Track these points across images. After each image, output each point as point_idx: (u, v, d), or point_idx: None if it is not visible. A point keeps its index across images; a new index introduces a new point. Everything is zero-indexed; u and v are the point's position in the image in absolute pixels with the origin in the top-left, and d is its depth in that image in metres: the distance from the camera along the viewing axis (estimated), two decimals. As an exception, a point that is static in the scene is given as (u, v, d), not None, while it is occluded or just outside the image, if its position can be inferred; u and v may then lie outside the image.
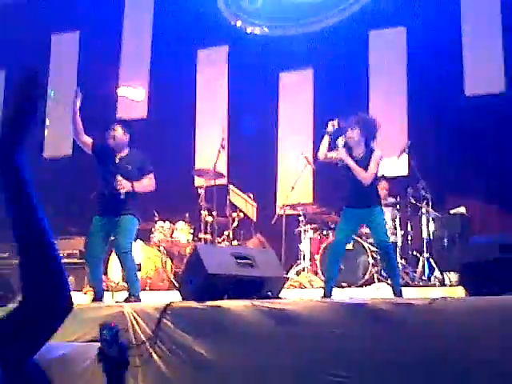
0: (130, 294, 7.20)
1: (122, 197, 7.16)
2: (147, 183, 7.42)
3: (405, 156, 9.48)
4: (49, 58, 12.79)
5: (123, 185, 7.16)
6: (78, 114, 7.33)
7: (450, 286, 8.20)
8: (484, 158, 9.67)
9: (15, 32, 12.07)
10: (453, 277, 8.28)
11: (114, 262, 8.80)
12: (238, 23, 11.87)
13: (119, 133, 7.43)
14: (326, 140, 7.33)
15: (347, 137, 7.17)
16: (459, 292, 6.60)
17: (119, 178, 7.18)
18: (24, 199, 2.01)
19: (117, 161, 7.40)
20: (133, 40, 12.40)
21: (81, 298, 8.50)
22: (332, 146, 7.26)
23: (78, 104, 7.31)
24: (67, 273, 2.05)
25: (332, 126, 7.34)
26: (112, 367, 2.72)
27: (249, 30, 11.82)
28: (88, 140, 7.46)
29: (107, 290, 8.24)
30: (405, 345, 5.28)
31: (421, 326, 5.35)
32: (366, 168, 7.04)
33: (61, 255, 1.98)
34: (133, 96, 11.88)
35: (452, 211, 9.52)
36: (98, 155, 7.48)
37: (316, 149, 10.57)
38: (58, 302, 1.85)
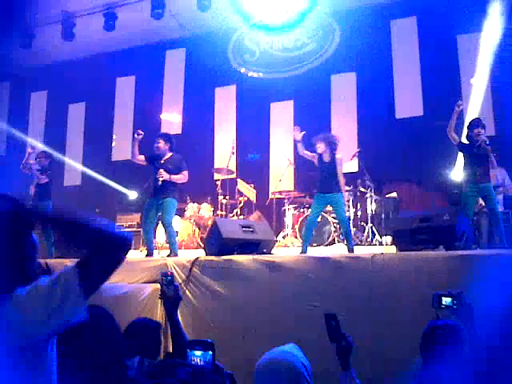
0: (171, 252, 7.20)
1: (160, 183, 7.23)
2: (180, 177, 7.42)
3: (355, 159, 9.47)
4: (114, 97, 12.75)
5: (162, 174, 7.19)
6: (137, 143, 7.44)
7: (386, 245, 8.20)
8: (408, 160, 9.65)
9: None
10: (388, 239, 8.28)
11: (160, 230, 8.76)
12: (242, 70, 11.83)
13: (161, 143, 7.44)
14: (299, 146, 7.37)
15: (316, 147, 7.20)
16: (392, 249, 6.59)
17: (161, 170, 7.21)
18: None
19: (162, 162, 7.40)
20: (171, 81, 12.34)
21: (138, 254, 8.50)
22: (310, 149, 7.29)
23: (139, 138, 7.38)
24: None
25: (298, 135, 7.41)
26: (170, 303, 2.73)
27: (250, 74, 11.77)
28: (141, 157, 7.54)
29: (156, 249, 8.25)
30: (355, 284, 5.29)
31: (366, 272, 5.35)
32: (331, 169, 7.06)
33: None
34: (172, 119, 11.93)
35: (387, 195, 9.51)
36: (150, 161, 7.50)
37: (295, 154, 10.64)
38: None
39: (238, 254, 6.07)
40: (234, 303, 5.59)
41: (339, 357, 2.47)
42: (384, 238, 8.64)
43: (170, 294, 2.75)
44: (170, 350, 3.50)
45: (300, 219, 9.07)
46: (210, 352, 1.67)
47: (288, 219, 9.35)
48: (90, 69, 12.05)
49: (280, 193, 9.83)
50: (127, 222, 10.29)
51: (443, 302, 2.88)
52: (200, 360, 1.66)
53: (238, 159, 10.64)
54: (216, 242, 6.19)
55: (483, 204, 8.03)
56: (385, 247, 7.94)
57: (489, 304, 4.63)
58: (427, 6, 10.04)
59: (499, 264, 4.96)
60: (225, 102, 11.81)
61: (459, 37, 9.97)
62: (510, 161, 8.05)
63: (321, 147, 7.19)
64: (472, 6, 9.28)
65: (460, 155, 7.32)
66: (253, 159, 10.84)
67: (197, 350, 1.67)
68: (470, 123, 7.08)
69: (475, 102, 9.49)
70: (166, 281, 2.81)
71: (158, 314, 5.52)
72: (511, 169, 8.11)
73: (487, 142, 6.78)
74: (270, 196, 10.10)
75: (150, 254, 7.21)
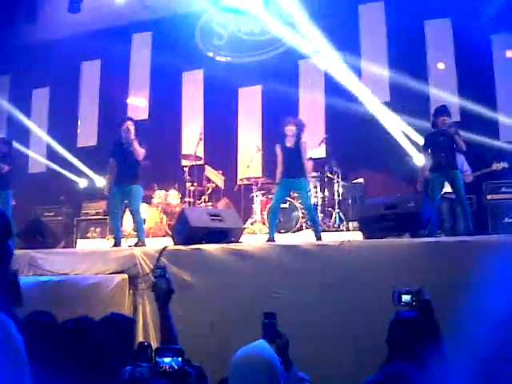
0: (138, 240, 7.18)
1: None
2: (142, 150, 7.39)
3: (323, 145, 9.53)
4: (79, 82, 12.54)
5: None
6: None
7: (353, 231, 8.29)
8: (374, 148, 9.72)
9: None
10: (354, 225, 8.37)
11: (127, 218, 8.69)
12: (210, 54, 11.74)
13: (132, 127, 7.43)
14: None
15: (287, 129, 7.17)
16: (358, 236, 6.68)
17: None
18: None
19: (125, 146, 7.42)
20: (138, 65, 12.18)
21: (105, 244, 8.44)
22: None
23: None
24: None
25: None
26: (162, 296, 2.71)
27: (217, 59, 11.68)
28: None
29: (123, 237, 8.20)
30: (322, 272, 5.35)
31: (333, 259, 5.43)
32: (296, 154, 7.07)
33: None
34: (138, 104, 11.80)
35: (354, 181, 9.59)
36: (115, 151, 7.44)
37: (263, 140, 10.66)
38: None
39: (206, 242, 6.08)
40: (203, 293, 5.61)
41: (279, 355, 2.50)
42: (351, 223, 8.72)
43: (163, 287, 2.73)
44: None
45: (268, 205, 9.04)
46: (180, 358, 1.67)
47: (256, 206, 9.35)
48: (54, 53, 11.81)
49: (248, 179, 9.83)
50: (93, 210, 10.19)
51: (403, 299, 2.97)
52: (169, 367, 1.66)
53: (206, 145, 10.59)
54: (184, 231, 6.19)
55: (445, 191, 8.19)
56: (352, 233, 8.02)
57: (454, 288, 4.76)
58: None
59: (463, 250, 5.08)
60: (192, 87, 11.71)
61: (426, 22, 10.04)
62: (470, 147, 8.19)
63: (292, 130, 7.17)
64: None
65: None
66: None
67: (166, 357, 1.66)
68: (435, 111, 7.17)
69: (441, 86, 9.60)
70: (159, 273, 2.78)
71: (126, 305, 5.52)
72: (471, 155, 8.23)
73: (452, 127, 6.90)
74: (238, 182, 10.09)
75: (117, 244, 7.17)
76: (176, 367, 1.65)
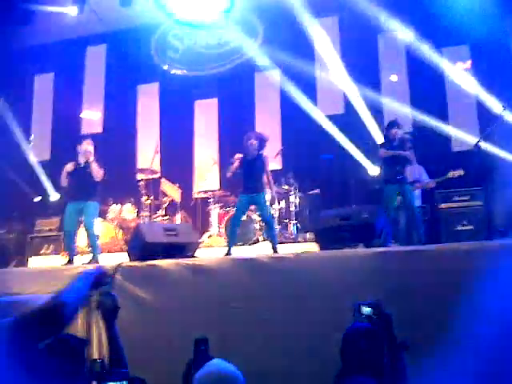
0: (92, 257, 7.08)
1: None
2: (100, 172, 7.36)
3: (279, 157, 9.60)
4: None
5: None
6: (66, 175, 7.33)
7: (310, 241, 8.32)
8: (331, 158, 9.82)
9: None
10: (311, 236, 8.42)
11: (82, 234, 8.54)
12: (165, 67, 11.68)
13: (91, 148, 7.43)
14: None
15: (249, 143, 7.18)
16: (315, 247, 6.71)
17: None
18: None
19: (82, 165, 7.32)
20: (92, 78, 12.02)
21: (59, 260, 8.27)
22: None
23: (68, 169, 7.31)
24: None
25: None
26: (108, 314, 2.66)
27: (173, 72, 11.63)
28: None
29: (77, 254, 8.06)
30: (280, 284, 5.36)
31: (290, 271, 5.44)
32: (256, 167, 7.09)
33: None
34: (92, 117, 11.65)
35: (310, 192, 9.67)
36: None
37: (220, 152, 10.66)
38: None
39: (162, 258, 6.01)
40: (160, 310, 5.53)
41: None
42: (308, 234, 8.78)
43: (108, 304, 2.67)
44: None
45: (225, 218, 9.07)
46: (125, 383, 1.64)
47: (213, 219, 9.33)
48: (5, 65, 11.56)
49: (205, 192, 9.81)
50: (47, 227, 9.97)
51: (363, 312, 2.99)
52: None
53: (163, 158, 10.53)
54: (139, 246, 6.13)
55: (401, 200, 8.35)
56: (308, 244, 8.07)
57: (408, 295, 4.83)
58: (349, 5, 10.23)
59: (417, 259, 5.17)
60: (148, 100, 11.64)
61: (380, 36, 10.25)
62: (425, 157, 8.38)
63: (254, 144, 7.21)
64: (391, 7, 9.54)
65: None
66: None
67: (110, 382, 1.63)
68: (387, 124, 7.38)
69: (394, 98, 9.80)
70: (103, 290, 2.73)
71: (80, 325, 5.38)
72: (427, 165, 8.43)
73: (404, 140, 7.08)
74: (195, 196, 10.06)
75: (70, 261, 7.05)
76: None
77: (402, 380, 2.81)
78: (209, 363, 2.43)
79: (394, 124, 7.24)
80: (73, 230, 7.32)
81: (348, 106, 10.19)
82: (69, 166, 7.32)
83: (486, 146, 6.91)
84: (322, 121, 10.02)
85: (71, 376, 2.92)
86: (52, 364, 2.71)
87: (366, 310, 3.00)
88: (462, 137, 8.98)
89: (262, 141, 7.29)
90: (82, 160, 7.31)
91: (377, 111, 9.80)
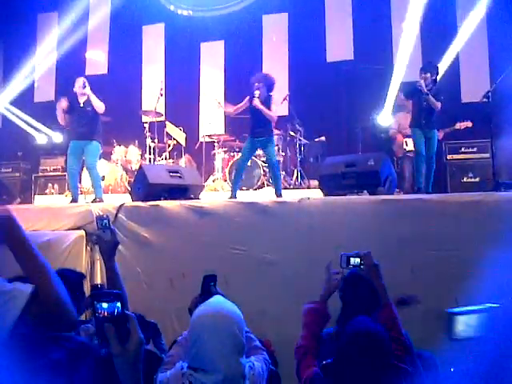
0: (95, 197, 7.09)
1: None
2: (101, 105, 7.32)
3: (286, 102, 9.46)
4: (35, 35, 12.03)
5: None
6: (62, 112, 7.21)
7: (314, 188, 8.30)
8: (338, 104, 9.72)
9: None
10: (315, 183, 8.38)
11: (86, 174, 8.52)
12: (171, 7, 11.38)
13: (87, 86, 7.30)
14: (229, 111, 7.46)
15: (256, 86, 7.03)
16: (319, 193, 6.70)
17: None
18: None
19: (81, 105, 7.22)
20: (97, 18, 11.69)
21: (62, 200, 8.29)
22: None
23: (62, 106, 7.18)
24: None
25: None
26: (106, 248, 2.62)
27: (179, 12, 11.35)
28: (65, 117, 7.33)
29: (81, 194, 8.08)
30: (282, 228, 5.37)
31: (293, 216, 5.44)
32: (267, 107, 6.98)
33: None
34: (97, 58, 11.46)
35: (316, 139, 9.60)
36: (71, 109, 7.25)
37: (226, 96, 10.52)
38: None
39: (165, 199, 6.00)
40: (162, 249, 5.57)
41: None
42: (312, 181, 8.75)
43: (107, 239, 2.64)
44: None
45: (230, 163, 9.03)
46: (118, 303, 1.62)
47: (218, 163, 9.29)
48: (8, 4, 11.30)
49: (210, 136, 9.72)
50: (51, 166, 9.97)
51: (351, 262, 2.99)
52: (107, 313, 1.61)
53: (167, 101, 10.40)
54: (142, 187, 6.10)
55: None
56: (312, 191, 8.05)
57: (410, 244, 4.84)
58: None
59: (422, 208, 5.14)
60: (153, 41, 11.42)
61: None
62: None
63: (259, 86, 7.06)
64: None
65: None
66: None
67: (103, 302, 1.61)
68: (420, 68, 7.19)
69: (405, 47, 9.58)
70: (102, 225, 2.68)
71: (84, 262, 5.44)
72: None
73: (426, 88, 6.93)
74: (200, 139, 9.98)
75: (74, 200, 7.06)
76: (115, 312, 1.60)
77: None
78: (208, 300, 2.44)
79: (421, 69, 7.09)
80: (75, 169, 7.30)
81: (357, 52, 9.99)
82: (63, 103, 7.20)
83: (495, 97, 6.79)
84: (331, 66, 9.83)
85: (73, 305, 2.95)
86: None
87: (355, 260, 2.99)
88: (472, 88, 8.83)
89: (270, 83, 7.13)
90: (81, 100, 7.24)
91: (387, 59, 9.61)
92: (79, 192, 7.52)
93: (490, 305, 1.52)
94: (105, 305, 1.60)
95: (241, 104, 7.23)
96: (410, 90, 7.17)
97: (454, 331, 1.45)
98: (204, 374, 2.20)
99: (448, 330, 1.45)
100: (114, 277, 2.55)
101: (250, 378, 2.28)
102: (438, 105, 6.94)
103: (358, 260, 3.00)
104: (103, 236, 2.62)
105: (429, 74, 7.00)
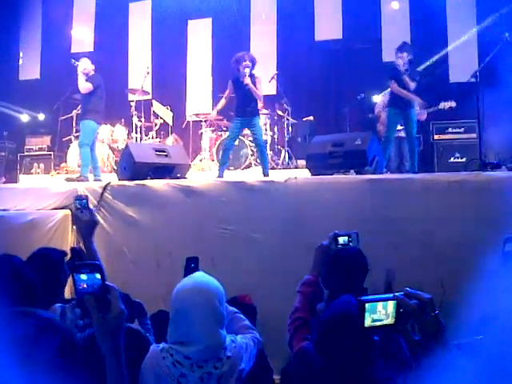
0: (80, 175, 7.06)
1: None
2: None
3: (274, 81, 9.39)
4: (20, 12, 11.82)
5: None
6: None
7: (301, 168, 8.27)
8: (326, 84, 9.67)
9: None
10: (303, 163, 8.35)
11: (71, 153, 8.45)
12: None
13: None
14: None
15: (245, 64, 6.95)
16: (306, 174, 6.67)
17: None
18: None
19: None
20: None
21: (47, 179, 8.22)
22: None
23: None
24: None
25: None
26: (85, 228, 2.58)
27: (167, -11, 11.17)
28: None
29: (67, 173, 8.01)
30: (269, 208, 5.34)
31: (279, 196, 5.41)
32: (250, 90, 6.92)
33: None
34: (83, 36, 11.30)
35: (304, 119, 9.55)
36: None
37: (213, 74, 10.44)
38: None
39: (151, 178, 5.96)
40: (148, 229, 5.53)
41: None
42: (300, 161, 8.72)
43: (86, 219, 2.60)
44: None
45: (217, 142, 8.98)
46: (98, 275, 1.60)
47: (205, 142, 9.24)
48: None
49: (197, 115, 9.65)
50: (37, 146, 9.87)
51: (340, 242, 3.01)
52: (86, 285, 1.60)
53: (154, 79, 10.29)
54: (128, 166, 6.05)
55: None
56: (300, 171, 8.03)
57: (398, 223, 4.84)
58: None
59: (408, 188, 5.14)
60: (139, 19, 11.26)
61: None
62: (422, 87, 8.21)
63: (248, 65, 6.99)
64: None
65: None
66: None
67: (82, 274, 1.60)
68: (396, 48, 7.15)
69: (393, 26, 9.54)
70: (81, 205, 2.63)
71: (69, 242, 5.39)
72: (423, 94, 8.29)
73: (408, 67, 6.91)
74: (187, 118, 9.90)
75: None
76: (94, 283, 1.59)
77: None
78: (191, 275, 2.44)
79: (398, 48, 7.05)
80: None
81: (346, 31, 9.92)
82: None
83: (483, 77, 6.76)
84: (319, 45, 9.76)
85: (52, 285, 2.93)
86: (36, 274, 2.69)
87: (344, 239, 3.00)
88: (460, 68, 8.80)
89: (254, 61, 7.07)
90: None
91: (376, 38, 9.56)
92: (66, 171, 7.48)
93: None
94: (84, 276, 1.59)
95: (226, 93, 7.25)
96: (389, 70, 7.16)
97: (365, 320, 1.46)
98: (184, 347, 2.22)
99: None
100: (93, 256, 2.53)
101: (232, 350, 2.29)
102: (412, 85, 6.93)
103: (346, 238, 3.02)
104: (81, 216, 2.58)
105: (405, 54, 6.97)
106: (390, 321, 1.51)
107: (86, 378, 1.53)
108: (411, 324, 1.55)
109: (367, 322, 1.49)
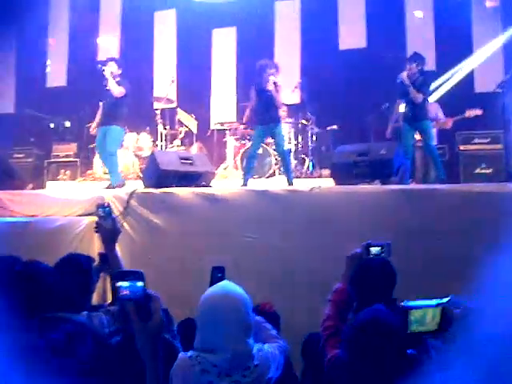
0: (110, 182, 7.14)
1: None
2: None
3: (297, 90, 9.41)
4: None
5: None
6: None
7: (325, 177, 8.26)
8: (350, 92, 9.63)
9: None
10: (327, 172, 8.34)
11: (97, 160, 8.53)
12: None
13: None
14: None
15: (270, 72, 6.98)
16: (330, 183, 6.66)
17: None
18: None
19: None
20: (108, 3, 11.69)
21: (75, 186, 8.32)
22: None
23: None
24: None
25: None
26: (107, 237, 2.60)
27: (191, -2, 11.28)
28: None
29: (94, 180, 8.11)
30: (293, 217, 5.35)
31: (304, 205, 5.42)
32: (273, 98, 6.94)
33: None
34: (109, 44, 11.43)
35: (328, 128, 9.53)
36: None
37: (237, 83, 10.49)
38: None
39: (176, 186, 6.00)
40: (173, 236, 5.59)
41: None
42: (324, 170, 8.71)
43: (108, 227, 2.61)
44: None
45: (241, 151, 9.00)
46: (140, 283, 1.63)
47: (229, 151, 9.27)
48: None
49: (221, 124, 9.69)
50: (63, 152, 10.00)
51: (372, 251, 2.99)
52: (129, 292, 1.62)
53: (179, 88, 10.37)
54: (154, 174, 6.11)
55: (416, 138, 8.20)
56: (324, 180, 8.01)
57: (424, 235, 4.80)
58: None
59: (433, 198, 5.11)
60: (164, 27, 11.36)
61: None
62: (447, 97, 8.19)
63: (273, 73, 7.02)
64: None
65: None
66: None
67: (125, 281, 1.62)
68: (407, 59, 7.12)
69: (418, 35, 9.51)
70: (103, 212, 2.65)
71: (96, 248, 5.44)
72: (447, 104, 8.25)
73: (421, 76, 6.86)
74: (212, 127, 9.96)
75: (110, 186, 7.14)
76: (137, 291, 1.61)
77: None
78: (216, 284, 2.45)
79: (410, 59, 7.01)
80: (102, 154, 7.48)
81: (370, 40, 9.90)
82: None
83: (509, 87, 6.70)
84: (343, 54, 9.75)
85: (80, 291, 2.96)
86: (63, 281, 2.73)
87: (376, 249, 2.99)
88: (486, 78, 8.72)
89: (278, 69, 7.10)
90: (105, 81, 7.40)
91: (400, 47, 9.52)
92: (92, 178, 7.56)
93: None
94: (126, 283, 1.61)
95: (251, 102, 7.30)
96: (398, 83, 7.10)
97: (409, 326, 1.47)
98: (212, 355, 2.21)
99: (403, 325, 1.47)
100: (117, 265, 2.55)
101: (259, 359, 2.28)
102: (419, 97, 6.83)
103: (378, 249, 3.02)
104: (104, 224, 2.59)
105: (414, 65, 6.90)
106: (432, 327, 1.51)
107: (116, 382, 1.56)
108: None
109: (412, 328, 1.50)
